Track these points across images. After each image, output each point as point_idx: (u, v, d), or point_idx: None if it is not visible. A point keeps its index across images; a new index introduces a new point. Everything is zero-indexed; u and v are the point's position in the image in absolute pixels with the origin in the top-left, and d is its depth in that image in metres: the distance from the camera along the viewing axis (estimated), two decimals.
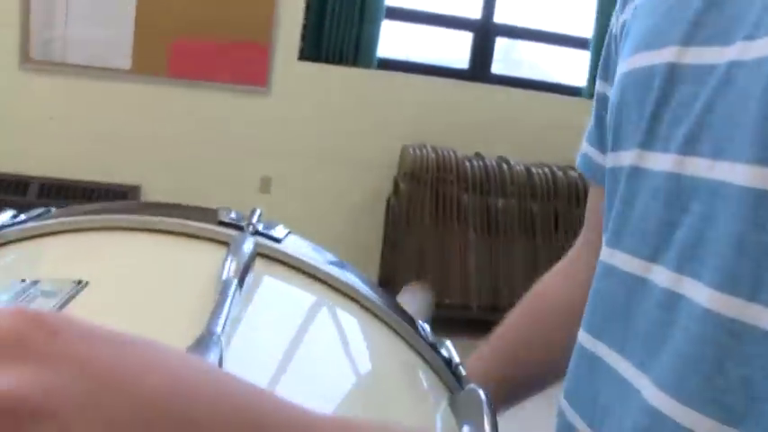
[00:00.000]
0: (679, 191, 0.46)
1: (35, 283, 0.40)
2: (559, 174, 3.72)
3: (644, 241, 0.49)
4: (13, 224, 0.52)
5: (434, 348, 0.51)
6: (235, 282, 0.39)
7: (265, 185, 3.82)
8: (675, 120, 0.47)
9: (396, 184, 3.80)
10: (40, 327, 0.22)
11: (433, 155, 3.62)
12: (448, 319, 2.39)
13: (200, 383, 0.24)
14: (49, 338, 0.22)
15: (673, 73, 0.48)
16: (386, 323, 0.50)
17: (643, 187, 0.50)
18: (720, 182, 0.43)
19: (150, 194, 3.64)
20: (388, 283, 3.68)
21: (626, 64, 0.54)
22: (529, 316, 0.78)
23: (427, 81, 3.92)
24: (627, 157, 0.52)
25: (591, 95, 3.10)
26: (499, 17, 4.00)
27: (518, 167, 3.71)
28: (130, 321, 0.35)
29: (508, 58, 4.12)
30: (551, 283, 0.79)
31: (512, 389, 0.72)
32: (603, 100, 0.64)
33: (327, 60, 3.81)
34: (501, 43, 4.06)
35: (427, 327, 0.53)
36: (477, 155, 3.75)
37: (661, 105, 0.49)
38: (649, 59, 0.51)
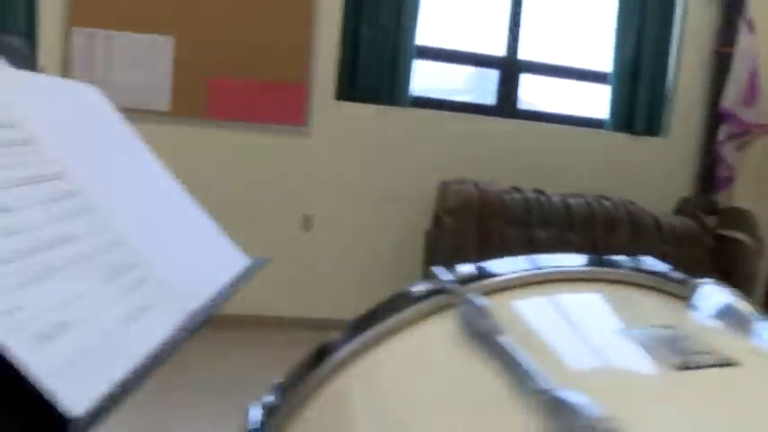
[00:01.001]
0: None
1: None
2: (594, 203, 3.86)
3: None
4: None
5: None
6: None
7: (307, 223, 3.86)
8: None
9: (437, 219, 3.89)
10: None
11: (474, 190, 3.73)
12: None
13: None
14: None
15: None
16: None
17: None
18: None
19: None
20: None
21: None
22: None
23: (459, 117, 4.03)
24: None
25: (614, 128, 3.30)
26: (523, 54, 4.16)
27: (555, 199, 3.84)
28: None
29: (532, 92, 4.27)
30: None
31: None
32: None
33: (362, 99, 3.89)
34: (525, 79, 4.21)
35: None
36: (515, 188, 3.87)
37: None
38: None
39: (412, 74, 3.95)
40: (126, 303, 0.58)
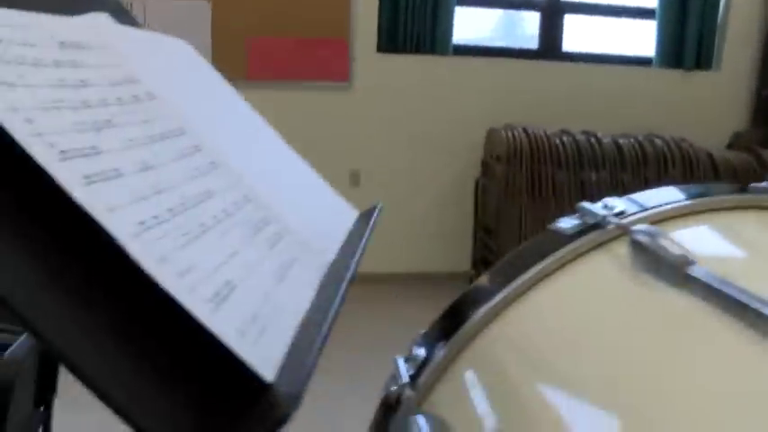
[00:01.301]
0: None
1: None
2: (645, 143, 3.77)
3: None
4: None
5: None
6: None
7: (354, 178, 3.83)
8: None
9: (485, 167, 3.83)
10: None
11: (524, 135, 3.66)
12: None
13: None
14: None
15: None
16: None
17: None
18: None
19: None
20: (486, 263, 3.72)
21: None
22: None
23: (503, 63, 3.95)
24: None
25: (662, 64, 3.15)
26: None
27: (605, 140, 3.75)
28: None
29: (575, 33, 4.16)
30: None
31: None
32: None
33: (404, 51, 3.81)
34: (568, 20, 4.10)
35: None
36: (564, 131, 3.79)
37: None
38: None
39: (453, 21, 3.86)
40: (272, 260, 0.55)
